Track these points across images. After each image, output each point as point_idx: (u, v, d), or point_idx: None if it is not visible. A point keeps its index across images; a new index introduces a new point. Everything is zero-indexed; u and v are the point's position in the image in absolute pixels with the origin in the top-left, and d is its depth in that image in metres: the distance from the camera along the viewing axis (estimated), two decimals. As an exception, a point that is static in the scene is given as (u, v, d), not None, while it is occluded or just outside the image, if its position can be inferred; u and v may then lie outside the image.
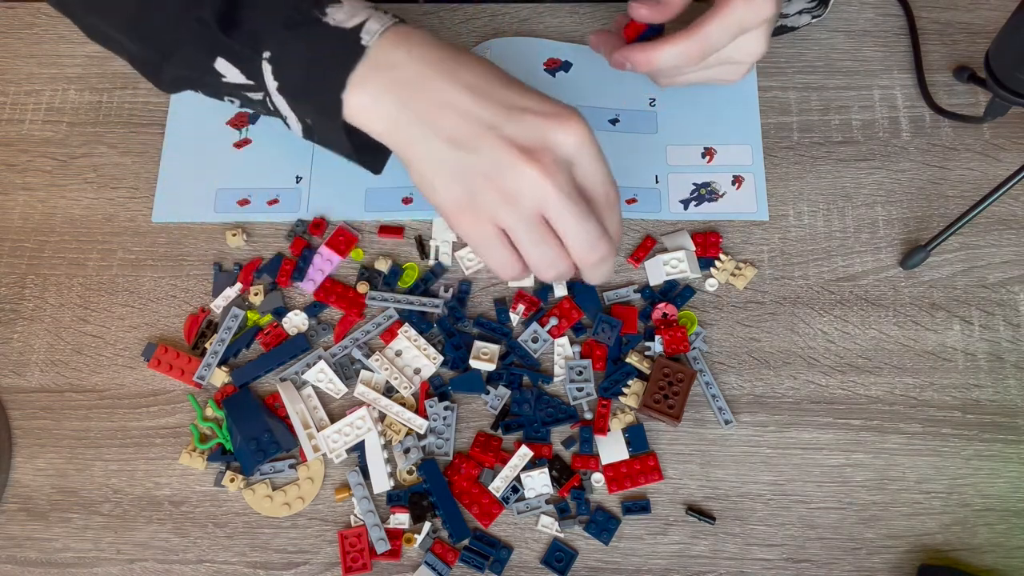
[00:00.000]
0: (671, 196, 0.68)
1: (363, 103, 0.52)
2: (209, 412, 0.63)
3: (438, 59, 0.52)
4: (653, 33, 0.63)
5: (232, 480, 0.61)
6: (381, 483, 0.60)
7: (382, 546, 0.59)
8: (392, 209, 0.68)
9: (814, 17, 0.69)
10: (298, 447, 0.62)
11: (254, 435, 0.61)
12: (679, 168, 0.69)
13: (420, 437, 0.61)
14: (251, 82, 0.55)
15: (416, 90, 0.51)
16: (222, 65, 0.55)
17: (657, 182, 0.68)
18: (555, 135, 0.50)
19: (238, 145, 0.70)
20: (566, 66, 0.71)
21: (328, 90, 0.52)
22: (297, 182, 0.69)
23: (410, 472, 0.61)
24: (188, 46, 0.55)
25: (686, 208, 0.68)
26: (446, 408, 0.62)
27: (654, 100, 0.71)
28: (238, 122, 0.71)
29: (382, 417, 0.62)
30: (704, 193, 0.68)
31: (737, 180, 0.68)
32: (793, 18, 0.69)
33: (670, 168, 0.69)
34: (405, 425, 0.62)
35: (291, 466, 0.62)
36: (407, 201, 0.68)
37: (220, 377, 0.63)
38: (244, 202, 0.69)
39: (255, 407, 0.62)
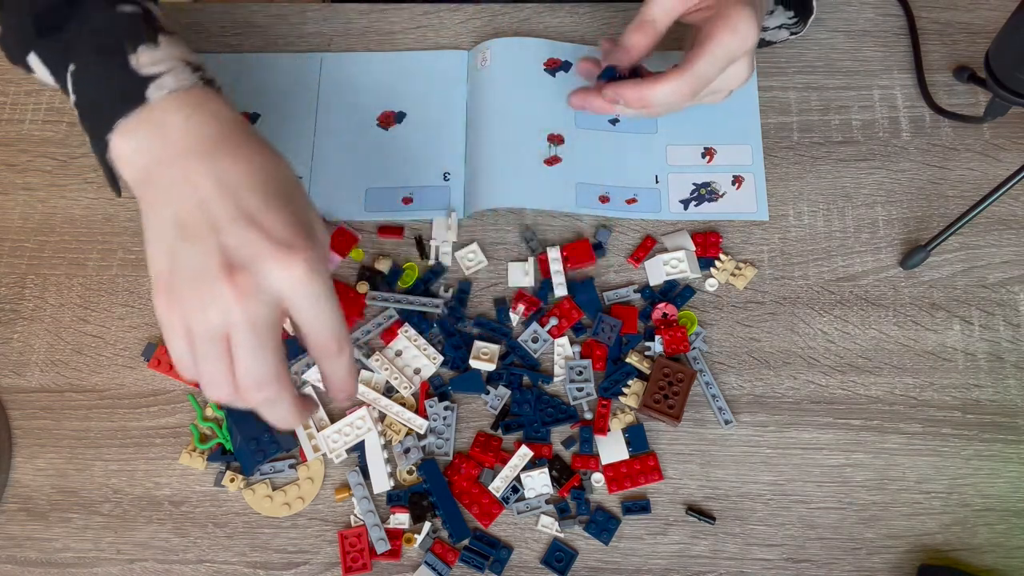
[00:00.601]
0: (671, 196, 0.68)
1: (122, 151, 0.51)
2: (209, 412, 0.63)
3: (210, 137, 0.50)
4: (610, 74, 0.63)
5: (232, 480, 0.61)
6: (381, 483, 0.60)
7: (382, 546, 0.59)
8: (392, 209, 0.68)
9: (792, 33, 0.69)
10: (298, 447, 0.62)
11: (254, 435, 0.61)
12: (679, 168, 0.69)
13: (420, 437, 0.62)
14: (58, 86, 0.55)
15: (171, 160, 0.50)
16: (33, 60, 0.55)
17: (657, 182, 0.68)
18: (266, 263, 0.46)
19: None
20: (566, 66, 0.71)
21: (100, 126, 0.51)
22: None
23: (410, 472, 0.61)
24: (11, 33, 0.55)
25: (686, 208, 0.68)
26: (446, 408, 0.62)
27: None
28: None
29: (382, 417, 0.62)
30: (704, 193, 0.68)
31: (737, 180, 0.68)
32: (772, 32, 0.69)
33: (670, 168, 0.69)
34: (405, 425, 0.62)
35: (291, 466, 0.62)
36: (407, 201, 0.68)
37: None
38: None
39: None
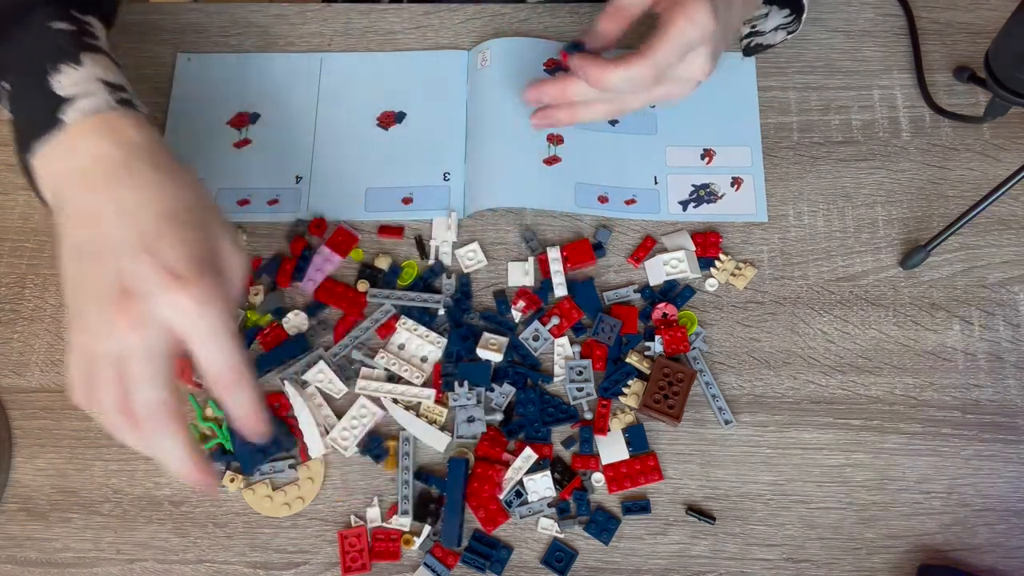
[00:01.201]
0: (670, 197, 0.68)
1: (41, 173, 0.53)
2: (209, 412, 0.63)
3: (116, 163, 0.51)
4: (575, 49, 0.63)
5: (232, 480, 0.61)
6: (440, 441, 0.61)
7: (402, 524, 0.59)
8: (392, 209, 0.68)
9: (789, 33, 0.69)
10: (298, 447, 0.62)
11: None
12: (678, 169, 0.69)
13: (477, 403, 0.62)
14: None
15: (77, 186, 0.51)
16: None
17: (656, 183, 0.68)
18: (154, 294, 0.47)
19: (238, 145, 0.70)
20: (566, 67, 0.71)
21: (23, 146, 0.53)
22: (297, 182, 0.69)
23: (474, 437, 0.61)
24: None
25: (685, 209, 0.68)
26: (470, 390, 0.62)
27: None
28: (238, 122, 0.71)
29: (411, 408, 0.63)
30: (703, 194, 0.68)
31: (736, 182, 0.68)
32: (769, 35, 0.69)
33: (669, 169, 0.69)
34: (415, 399, 0.62)
35: (291, 466, 0.62)
36: (407, 201, 0.68)
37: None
38: (244, 202, 0.69)
39: None
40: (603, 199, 0.68)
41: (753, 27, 0.69)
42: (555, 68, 0.71)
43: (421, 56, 0.73)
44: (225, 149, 0.70)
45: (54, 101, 0.52)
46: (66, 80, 0.53)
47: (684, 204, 0.68)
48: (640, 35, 0.59)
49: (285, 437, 0.62)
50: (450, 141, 0.70)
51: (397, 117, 0.71)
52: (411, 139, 0.70)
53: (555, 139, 0.69)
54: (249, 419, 0.50)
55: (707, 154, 0.69)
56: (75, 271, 0.49)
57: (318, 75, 0.72)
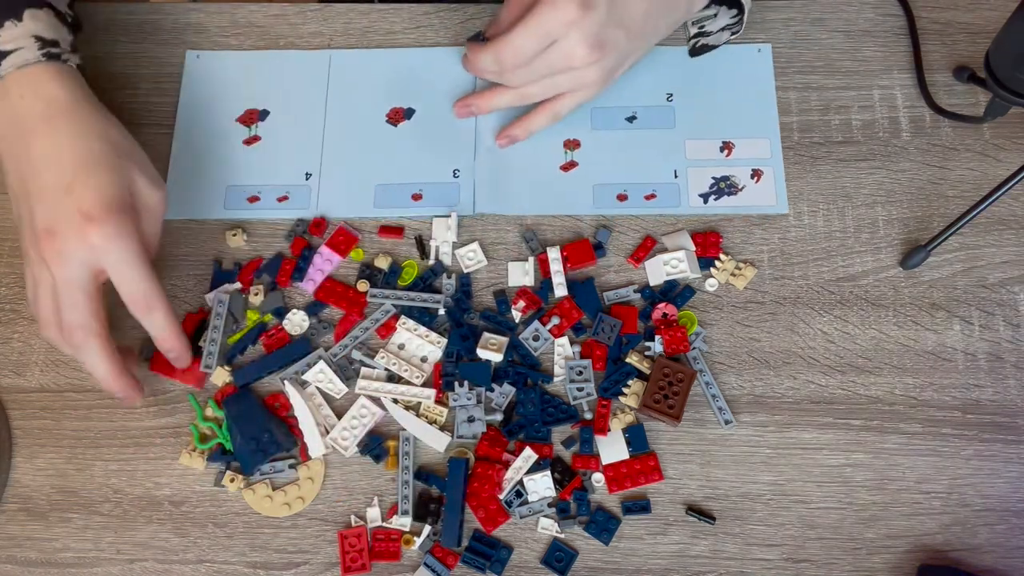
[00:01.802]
0: (691, 190, 0.68)
1: None
2: (209, 412, 0.63)
3: (39, 115, 0.58)
4: (477, 38, 0.67)
5: (232, 480, 0.61)
6: (440, 441, 0.61)
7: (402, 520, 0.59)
8: (402, 205, 0.68)
9: (733, 33, 0.69)
10: (298, 447, 0.62)
11: (254, 435, 0.61)
12: (698, 162, 0.69)
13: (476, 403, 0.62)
14: None
15: (6, 135, 0.58)
16: None
17: (676, 177, 0.69)
18: (68, 232, 0.55)
19: (248, 142, 0.71)
20: None
21: None
22: (307, 179, 0.69)
23: (474, 437, 0.61)
24: None
25: (706, 202, 0.68)
26: (470, 390, 0.62)
27: (671, 95, 0.71)
28: (247, 119, 0.71)
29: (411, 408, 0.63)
30: (724, 187, 0.68)
31: (756, 173, 0.68)
32: (715, 36, 0.69)
33: (689, 162, 0.69)
34: (414, 398, 0.62)
35: (291, 466, 0.62)
36: (416, 198, 0.68)
37: (222, 376, 0.63)
38: (254, 199, 0.69)
39: (255, 407, 0.62)
40: (622, 197, 0.68)
41: (701, 28, 0.69)
42: None
43: (429, 53, 0.73)
44: (235, 146, 0.70)
45: None
46: (6, 35, 0.59)
47: (705, 197, 0.68)
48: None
49: (285, 437, 0.62)
50: (460, 138, 0.70)
51: (406, 113, 0.71)
52: (420, 136, 0.70)
53: (572, 144, 0.69)
54: (165, 339, 0.60)
55: (726, 146, 0.69)
56: (15, 209, 0.59)
57: (327, 72, 0.73)
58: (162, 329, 0.59)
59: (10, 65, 0.58)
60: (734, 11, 0.68)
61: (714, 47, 0.71)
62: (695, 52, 0.71)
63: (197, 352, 0.64)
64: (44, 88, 0.58)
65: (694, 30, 0.70)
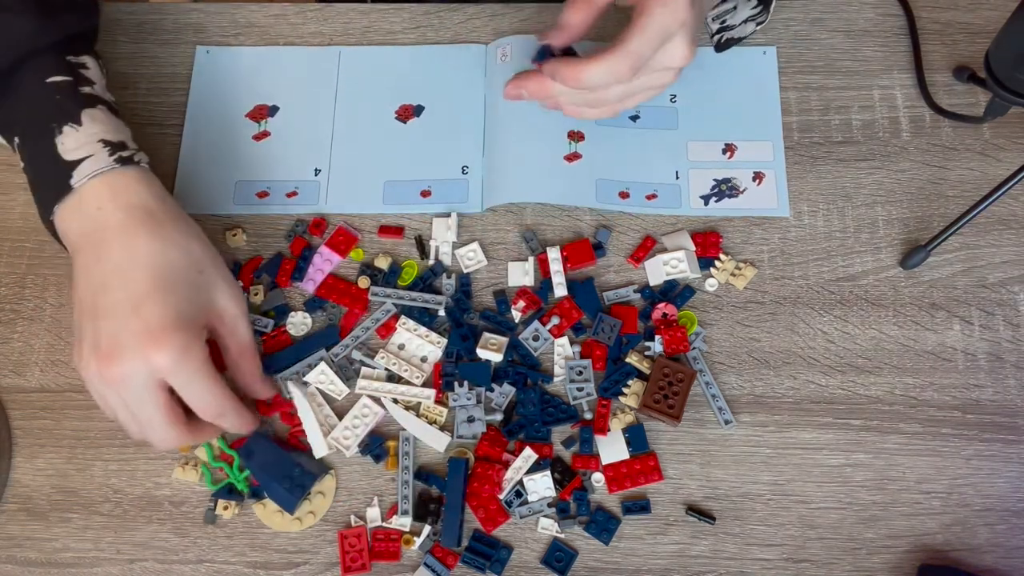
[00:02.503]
0: (692, 192, 0.68)
1: (61, 230, 0.58)
2: (217, 449, 0.62)
3: (115, 226, 0.56)
4: (543, 54, 0.61)
5: (226, 508, 0.60)
6: (440, 441, 0.61)
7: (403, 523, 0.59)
8: (410, 202, 0.68)
9: (758, 24, 0.69)
10: (326, 472, 0.61)
11: (286, 474, 0.60)
12: (700, 164, 0.69)
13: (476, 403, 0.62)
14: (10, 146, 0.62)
15: (82, 247, 0.57)
16: None
17: (678, 178, 0.69)
18: (134, 352, 0.53)
19: (257, 138, 0.71)
20: None
21: (44, 208, 0.59)
22: (316, 175, 0.69)
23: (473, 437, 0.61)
24: None
25: (707, 204, 0.68)
26: (470, 390, 0.62)
27: (675, 96, 0.71)
28: (257, 115, 0.71)
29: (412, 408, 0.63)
30: (725, 189, 0.68)
31: (758, 176, 0.68)
32: (739, 28, 0.69)
33: (691, 164, 0.69)
34: (415, 399, 0.62)
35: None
36: (425, 194, 0.69)
37: None
38: (263, 194, 0.69)
39: (272, 448, 0.61)
40: (624, 194, 0.68)
41: (723, 22, 0.69)
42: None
43: (439, 50, 0.73)
44: (244, 141, 0.71)
45: (62, 168, 0.57)
46: (69, 142, 0.58)
47: (706, 199, 0.68)
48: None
49: (315, 465, 0.61)
50: (468, 135, 0.70)
51: (415, 110, 0.71)
52: (429, 132, 0.70)
53: (576, 136, 0.69)
54: (239, 430, 0.60)
55: (729, 149, 0.69)
56: (77, 322, 0.56)
57: (336, 68, 0.73)
58: (235, 428, 0.59)
59: (83, 175, 0.56)
60: (753, 1, 0.67)
61: (741, 39, 0.70)
62: (721, 47, 0.70)
63: None
64: (122, 197, 0.56)
65: (716, 26, 0.69)
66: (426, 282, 0.66)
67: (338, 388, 0.63)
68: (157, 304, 0.54)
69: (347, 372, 0.64)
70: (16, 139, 0.60)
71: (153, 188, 0.58)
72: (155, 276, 0.55)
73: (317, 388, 0.63)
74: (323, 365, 0.63)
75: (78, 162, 0.57)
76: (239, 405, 0.58)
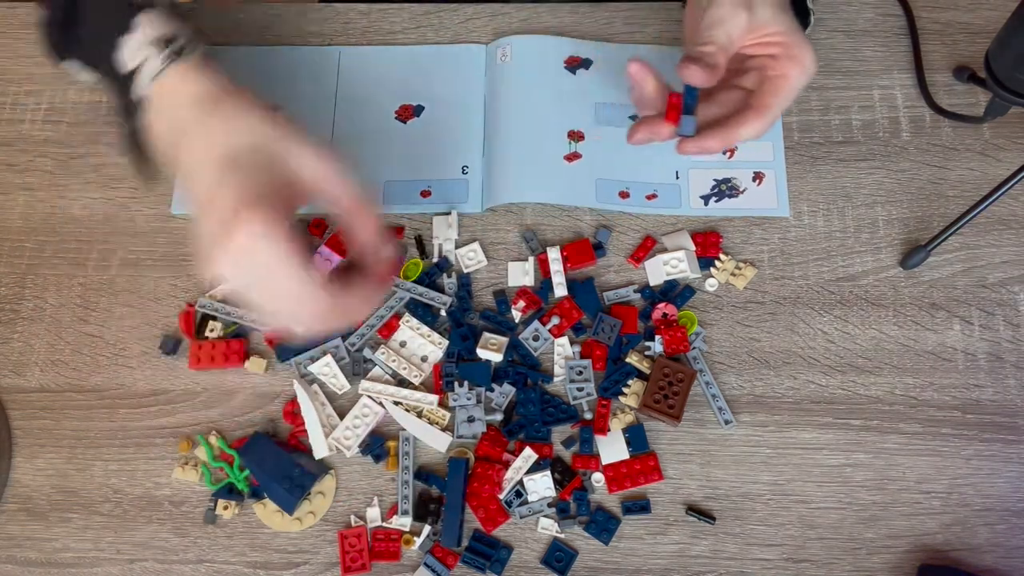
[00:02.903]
0: (692, 192, 0.68)
1: (156, 132, 0.57)
2: (217, 449, 0.62)
3: (193, 119, 0.55)
4: (691, 98, 0.58)
5: (226, 508, 0.60)
6: (440, 441, 0.61)
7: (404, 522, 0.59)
8: (410, 202, 0.68)
9: (805, 27, 0.69)
10: (325, 472, 0.62)
11: (285, 474, 0.60)
12: (700, 164, 0.69)
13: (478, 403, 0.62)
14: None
15: (179, 142, 0.55)
16: (71, 67, 0.60)
17: (678, 178, 0.69)
18: (226, 240, 0.51)
19: None
20: (586, 63, 0.72)
21: (129, 126, 0.58)
22: None
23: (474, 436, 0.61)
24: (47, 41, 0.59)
25: (707, 204, 0.68)
26: (470, 390, 0.62)
27: None
28: None
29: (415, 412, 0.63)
30: (725, 189, 0.68)
31: (758, 176, 0.68)
32: None
33: (691, 164, 0.69)
34: (418, 404, 0.62)
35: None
36: (425, 194, 0.69)
37: (258, 365, 0.63)
38: None
39: (273, 448, 0.61)
40: (624, 194, 0.68)
41: None
42: (576, 65, 0.71)
43: (439, 50, 0.73)
44: None
45: (126, 83, 0.56)
46: (127, 54, 0.56)
47: (706, 199, 0.68)
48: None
49: (315, 466, 0.61)
50: (468, 135, 0.70)
51: (415, 110, 0.71)
52: (429, 132, 0.71)
53: (576, 136, 0.69)
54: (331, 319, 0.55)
55: (729, 149, 0.69)
56: (191, 196, 0.55)
57: (336, 68, 0.73)
58: (345, 317, 0.55)
59: (147, 80, 0.56)
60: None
61: None
62: None
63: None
64: (179, 95, 0.56)
65: None
66: (431, 278, 0.66)
67: (340, 383, 0.63)
68: (229, 189, 0.52)
69: (356, 368, 0.64)
70: (84, 59, 0.60)
71: (205, 81, 0.57)
72: (220, 164, 0.53)
73: (319, 378, 0.63)
74: (328, 358, 0.63)
75: (137, 70, 0.56)
76: (319, 282, 0.53)
